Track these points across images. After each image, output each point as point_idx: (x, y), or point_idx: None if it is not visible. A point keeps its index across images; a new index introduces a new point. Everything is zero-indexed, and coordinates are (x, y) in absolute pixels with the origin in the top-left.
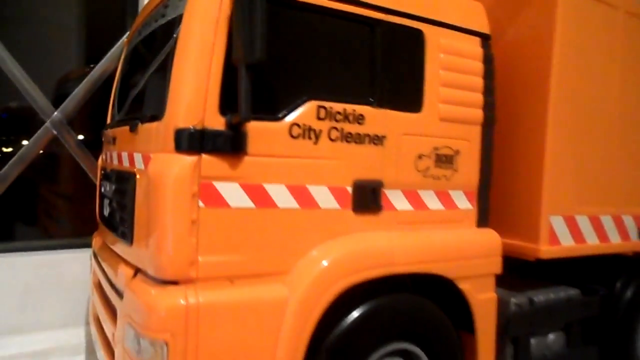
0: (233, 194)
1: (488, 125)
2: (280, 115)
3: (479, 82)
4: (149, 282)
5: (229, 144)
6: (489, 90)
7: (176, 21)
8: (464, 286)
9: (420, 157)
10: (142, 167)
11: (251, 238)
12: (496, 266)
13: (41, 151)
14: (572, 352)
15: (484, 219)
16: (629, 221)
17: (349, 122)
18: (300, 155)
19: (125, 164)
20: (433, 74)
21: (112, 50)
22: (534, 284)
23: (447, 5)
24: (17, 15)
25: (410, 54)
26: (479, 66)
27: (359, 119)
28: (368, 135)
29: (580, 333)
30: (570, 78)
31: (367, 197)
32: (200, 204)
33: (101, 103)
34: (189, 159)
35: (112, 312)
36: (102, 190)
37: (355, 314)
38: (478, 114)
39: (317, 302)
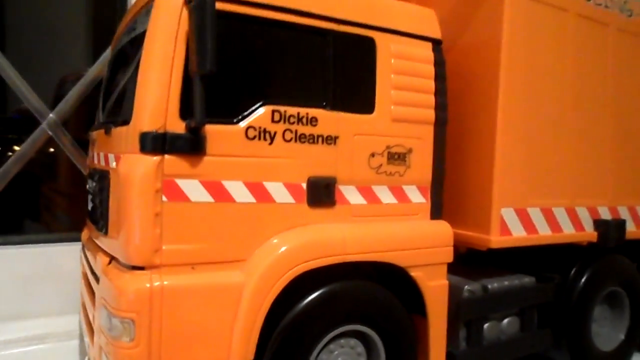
0: (193, 189)
1: (440, 125)
2: (237, 119)
3: (430, 84)
4: (121, 269)
5: (188, 146)
6: (440, 92)
7: (143, 35)
8: (415, 274)
9: (373, 155)
10: (115, 166)
11: (211, 229)
12: (447, 255)
13: (41, 151)
14: (526, 335)
15: (437, 212)
16: (583, 212)
17: (303, 124)
18: (256, 155)
19: (102, 163)
20: (384, 78)
21: (104, 55)
22: (491, 273)
23: (398, 13)
24: (24, 21)
25: (362, 60)
26: (430, 69)
27: (312, 121)
28: (321, 136)
29: (534, 318)
30: (519, 78)
31: (321, 193)
32: (164, 198)
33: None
34: (152, 159)
35: (94, 296)
36: (87, 187)
37: (307, 298)
38: (430, 114)
39: (271, 288)
